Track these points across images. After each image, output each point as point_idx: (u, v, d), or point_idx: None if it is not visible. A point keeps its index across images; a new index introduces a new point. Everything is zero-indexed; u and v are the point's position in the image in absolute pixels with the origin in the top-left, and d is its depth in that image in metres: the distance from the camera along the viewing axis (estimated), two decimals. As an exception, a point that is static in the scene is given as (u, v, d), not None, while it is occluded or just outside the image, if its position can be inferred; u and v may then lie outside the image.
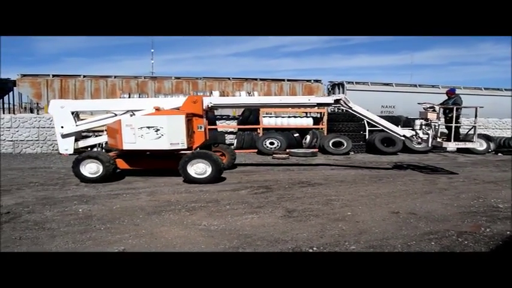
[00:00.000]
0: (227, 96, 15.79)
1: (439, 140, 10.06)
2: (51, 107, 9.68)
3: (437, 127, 10.12)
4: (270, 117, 16.12)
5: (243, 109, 15.65)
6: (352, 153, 14.64)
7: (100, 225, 5.43)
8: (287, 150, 14.07)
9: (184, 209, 6.30)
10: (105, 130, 9.84)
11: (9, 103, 21.29)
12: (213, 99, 10.10)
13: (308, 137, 15.43)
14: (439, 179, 9.14)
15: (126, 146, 8.53)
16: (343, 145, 14.29)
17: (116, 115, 9.49)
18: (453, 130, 9.93)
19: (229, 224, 5.52)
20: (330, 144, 14.35)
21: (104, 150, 9.83)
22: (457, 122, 10.22)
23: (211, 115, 15.53)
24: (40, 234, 5.04)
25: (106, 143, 9.87)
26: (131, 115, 9.10)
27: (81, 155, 8.79)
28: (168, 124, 8.44)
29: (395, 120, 16.58)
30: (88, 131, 11.26)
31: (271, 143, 14.47)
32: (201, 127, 9.26)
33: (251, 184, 8.43)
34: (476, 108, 10.18)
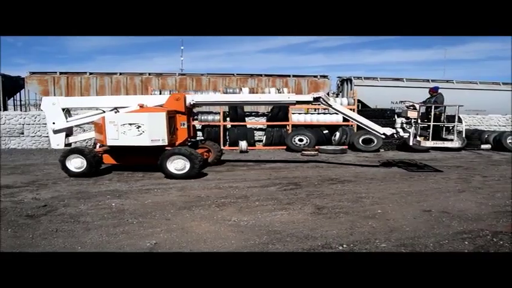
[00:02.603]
0: (256, 93, 15.78)
1: (418, 138, 9.81)
2: (43, 103, 10.09)
3: (417, 125, 9.87)
4: (299, 113, 16.04)
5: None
6: (383, 150, 14.43)
7: (132, 219, 5.56)
8: (316, 147, 14.00)
9: (214, 205, 6.38)
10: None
11: (20, 100, 21.94)
12: (195, 96, 10.30)
13: (338, 134, 15.32)
14: (472, 178, 8.91)
15: (110, 142, 8.85)
16: (373, 142, 14.11)
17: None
18: (431, 128, 9.67)
19: (259, 220, 5.55)
20: (360, 141, 14.20)
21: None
22: (439, 120, 9.95)
23: (240, 112, 15.62)
24: (75, 227, 5.20)
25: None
26: (115, 112, 9.43)
27: (66, 150, 9.19)
28: (149, 121, 8.68)
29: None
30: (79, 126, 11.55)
31: (300, 140, 14.43)
32: (184, 124, 9.51)
33: (280, 181, 8.44)
34: (457, 106, 9.88)
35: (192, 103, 9.82)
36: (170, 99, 9.56)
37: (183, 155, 8.59)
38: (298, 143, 14.37)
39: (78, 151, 9.00)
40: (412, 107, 10.28)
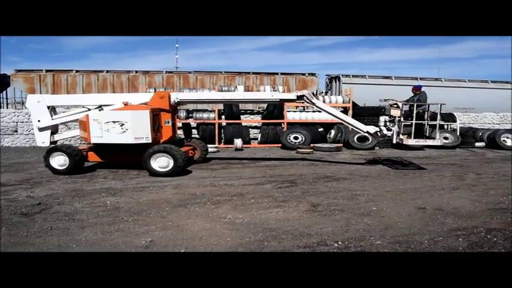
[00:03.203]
0: (251, 91, 15.78)
1: (401, 136, 9.86)
2: (28, 101, 10.05)
3: (401, 123, 9.90)
4: (294, 111, 16.07)
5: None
6: (378, 148, 14.47)
7: (128, 217, 5.55)
8: (311, 145, 14.02)
9: (209, 202, 6.37)
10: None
11: (7, 98, 21.68)
12: (180, 94, 10.30)
13: (333, 132, 15.37)
14: (467, 175, 8.96)
15: (94, 140, 8.88)
16: (368, 140, 14.14)
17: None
18: (413, 127, 9.72)
19: (254, 217, 5.55)
20: (355, 139, 14.23)
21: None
22: (422, 118, 9.99)
23: (235, 110, 15.62)
24: (70, 225, 5.18)
25: None
26: (99, 110, 9.43)
27: (50, 148, 9.25)
28: (132, 119, 8.72)
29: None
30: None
31: (296, 138, 14.45)
32: (168, 122, 9.55)
33: (275, 178, 8.45)
34: (440, 105, 9.94)
35: (176, 101, 9.86)
36: (154, 97, 9.57)
37: (166, 152, 8.62)
38: (294, 140, 14.39)
39: (61, 149, 9.05)
40: (395, 105, 10.32)
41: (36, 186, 7.58)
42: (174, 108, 10.13)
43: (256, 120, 16.53)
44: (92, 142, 8.99)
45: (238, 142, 14.33)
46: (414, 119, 9.73)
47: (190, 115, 15.58)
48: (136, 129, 8.69)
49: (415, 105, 9.95)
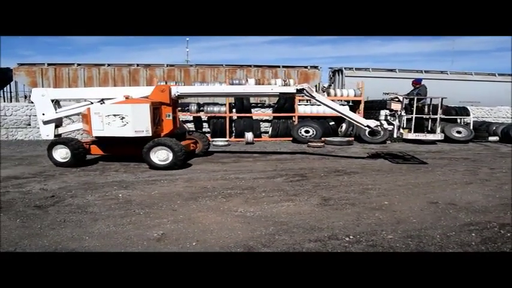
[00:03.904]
0: (262, 84, 15.75)
1: (401, 130, 9.71)
2: (33, 95, 10.22)
3: (401, 117, 9.75)
4: (305, 105, 16.01)
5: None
6: (389, 142, 14.37)
7: (139, 209, 5.59)
8: (322, 138, 13.98)
9: (220, 196, 6.39)
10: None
11: (10, 92, 21.84)
12: (180, 88, 10.34)
13: (344, 126, 15.28)
14: (480, 170, 8.86)
15: (95, 133, 9.00)
16: (380, 134, 14.03)
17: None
18: (413, 120, 9.55)
19: (265, 211, 5.56)
20: (366, 133, 14.13)
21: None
22: (422, 112, 9.82)
23: (246, 103, 15.61)
24: (83, 217, 5.24)
25: None
26: (101, 103, 9.53)
27: (52, 141, 9.43)
28: (133, 112, 8.78)
29: (435, 108, 16.17)
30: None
31: (307, 131, 14.42)
32: (169, 115, 9.59)
33: (286, 172, 8.44)
34: (441, 98, 9.70)
35: (176, 94, 9.92)
36: (155, 91, 9.64)
37: (165, 145, 8.69)
38: (305, 134, 14.35)
39: (63, 142, 9.21)
40: (396, 99, 10.21)
41: (49, 179, 7.67)
42: (175, 102, 10.21)
43: (267, 113, 16.50)
44: (93, 135, 9.13)
45: (249, 135, 14.34)
46: (414, 112, 9.59)
47: (201, 108, 15.61)
48: (136, 123, 8.78)
49: (415, 99, 9.79)
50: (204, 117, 15.93)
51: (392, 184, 7.32)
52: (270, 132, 15.88)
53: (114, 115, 8.79)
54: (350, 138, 14.19)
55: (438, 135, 9.63)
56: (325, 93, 16.95)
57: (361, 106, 15.56)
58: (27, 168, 8.90)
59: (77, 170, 8.58)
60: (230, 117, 15.37)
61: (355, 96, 16.07)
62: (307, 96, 9.90)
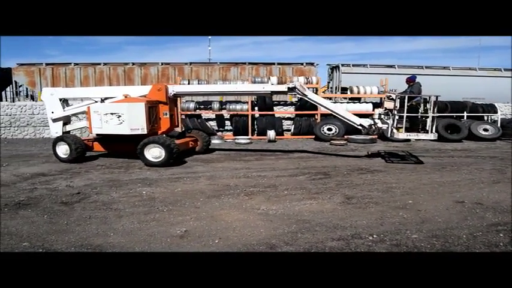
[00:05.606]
0: (284, 82, 15.70)
1: (394, 130, 9.38)
2: (43, 94, 10.66)
3: (395, 116, 9.40)
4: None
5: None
6: (414, 140, 14.13)
7: (163, 207, 5.65)
8: (345, 136, 13.85)
9: (243, 193, 6.41)
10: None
11: (12, 92, 22.14)
12: (175, 87, 10.53)
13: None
14: (507, 168, 8.64)
15: (95, 131, 9.38)
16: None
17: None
18: (404, 119, 9.19)
19: (288, 209, 5.55)
20: (389, 132, 13.92)
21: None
22: (417, 111, 9.44)
23: (268, 101, 15.59)
24: (108, 214, 5.33)
25: None
26: (102, 102, 9.86)
27: (56, 138, 9.85)
28: (128, 111, 9.04)
29: (461, 105, 15.84)
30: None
31: (329, 129, 14.32)
32: (166, 114, 9.83)
33: (309, 170, 8.40)
34: (436, 97, 9.27)
35: (172, 93, 10.10)
36: (152, 90, 9.90)
37: (157, 143, 8.84)
38: (327, 132, 14.26)
39: (64, 139, 9.57)
40: (389, 98, 9.92)
41: (75, 176, 7.83)
42: (174, 101, 10.44)
43: (289, 111, 16.45)
44: (93, 132, 9.50)
45: (271, 133, 14.33)
46: (405, 111, 9.26)
47: (224, 106, 15.67)
48: (132, 121, 9.05)
49: (406, 97, 9.46)
50: (226, 115, 15.99)
51: (417, 183, 7.21)
52: (292, 130, 15.83)
53: (112, 113, 9.11)
54: (373, 136, 14.01)
55: (431, 135, 9.16)
56: (348, 90, 16.85)
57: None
58: (53, 165, 9.09)
59: (102, 168, 8.73)
60: (252, 115, 15.38)
61: (378, 93, 15.88)
62: (299, 94, 9.84)
